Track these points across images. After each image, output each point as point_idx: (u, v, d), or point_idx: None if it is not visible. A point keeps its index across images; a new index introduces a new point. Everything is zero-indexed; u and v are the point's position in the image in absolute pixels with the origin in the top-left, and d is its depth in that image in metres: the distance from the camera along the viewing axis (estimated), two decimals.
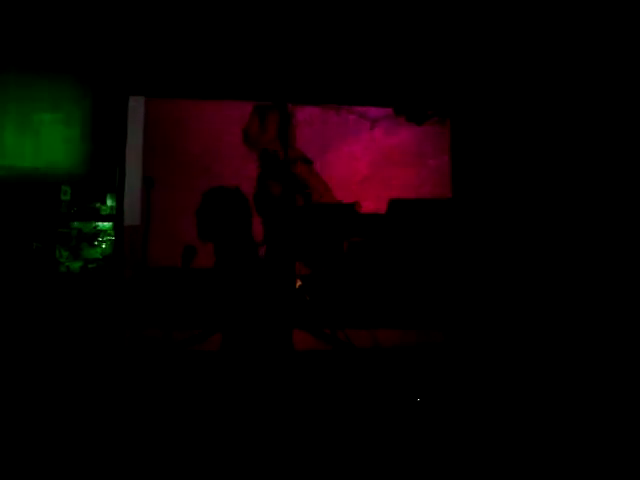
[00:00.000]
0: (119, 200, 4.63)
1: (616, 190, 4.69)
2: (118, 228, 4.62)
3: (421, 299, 4.59)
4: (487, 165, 4.83)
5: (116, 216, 4.63)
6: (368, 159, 4.70)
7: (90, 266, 4.58)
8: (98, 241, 4.61)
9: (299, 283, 4.52)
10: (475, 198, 4.78)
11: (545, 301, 4.60)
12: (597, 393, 3.96)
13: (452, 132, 4.80)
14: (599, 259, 4.61)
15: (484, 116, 4.86)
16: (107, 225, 4.64)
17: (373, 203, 4.67)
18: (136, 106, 4.66)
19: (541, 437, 3.49)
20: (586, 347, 4.36)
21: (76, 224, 4.59)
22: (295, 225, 4.39)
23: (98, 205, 4.65)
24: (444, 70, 4.83)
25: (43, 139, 4.56)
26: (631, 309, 4.43)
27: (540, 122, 4.82)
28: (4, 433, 3.29)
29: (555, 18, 4.75)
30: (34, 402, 3.61)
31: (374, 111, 4.79)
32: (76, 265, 4.56)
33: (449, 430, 3.61)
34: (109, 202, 4.66)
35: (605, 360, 4.28)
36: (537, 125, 4.81)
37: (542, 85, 4.83)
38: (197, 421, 3.65)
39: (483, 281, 4.71)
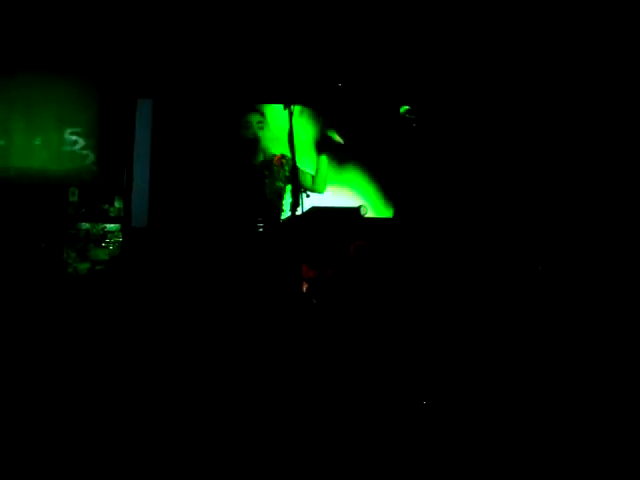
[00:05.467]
0: (126, 202, 4.65)
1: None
2: (126, 230, 4.64)
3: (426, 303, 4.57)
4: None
5: (124, 218, 4.65)
6: None
7: (98, 267, 4.60)
8: (106, 242, 4.64)
9: (306, 286, 4.51)
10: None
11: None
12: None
13: None
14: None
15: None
16: (115, 227, 4.66)
17: None
18: (144, 108, 4.68)
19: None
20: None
21: (84, 225, 4.63)
22: (301, 228, 4.38)
23: (106, 207, 4.68)
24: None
25: (52, 141, 4.60)
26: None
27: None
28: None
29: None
30: (37, 404, 3.64)
31: None
32: (83, 266, 4.59)
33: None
34: (117, 204, 4.69)
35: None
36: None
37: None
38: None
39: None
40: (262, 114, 4.59)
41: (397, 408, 3.80)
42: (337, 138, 4.74)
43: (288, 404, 3.66)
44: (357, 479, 2.98)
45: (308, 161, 4.79)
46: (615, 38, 4.61)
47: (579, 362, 4.21)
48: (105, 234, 4.64)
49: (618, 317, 4.42)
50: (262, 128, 4.63)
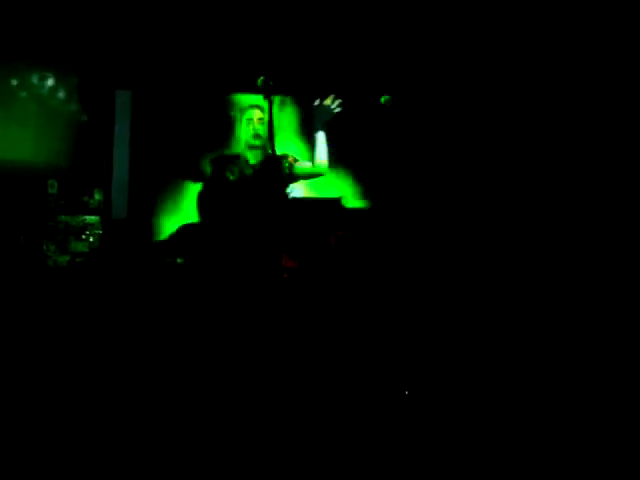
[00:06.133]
0: (106, 194, 4.64)
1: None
2: (106, 222, 4.63)
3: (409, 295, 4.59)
4: None
5: (103, 210, 4.64)
6: None
7: (77, 260, 4.59)
8: (85, 235, 4.62)
9: (286, 276, 4.51)
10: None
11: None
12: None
13: None
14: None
15: None
16: (94, 219, 4.65)
17: None
18: (123, 100, 4.67)
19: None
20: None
21: (63, 218, 4.61)
22: (281, 218, 4.38)
23: (86, 199, 4.67)
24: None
25: (30, 132, 4.58)
26: None
27: None
28: None
29: None
30: (16, 399, 3.62)
31: None
32: (63, 259, 4.57)
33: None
34: (97, 196, 4.67)
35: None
36: None
37: None
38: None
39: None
40: (262, 110, 4.57)
41: (379, 398, 3.81)
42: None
43: (269, 397, 3.66)
44: (340, 471, 3.00)
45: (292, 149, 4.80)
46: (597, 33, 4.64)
47: (573, 361, 4.23)
48: (85, 226, 4.63)
49: (616, 317, 4.44)
50: (263, 124, 4.62)
